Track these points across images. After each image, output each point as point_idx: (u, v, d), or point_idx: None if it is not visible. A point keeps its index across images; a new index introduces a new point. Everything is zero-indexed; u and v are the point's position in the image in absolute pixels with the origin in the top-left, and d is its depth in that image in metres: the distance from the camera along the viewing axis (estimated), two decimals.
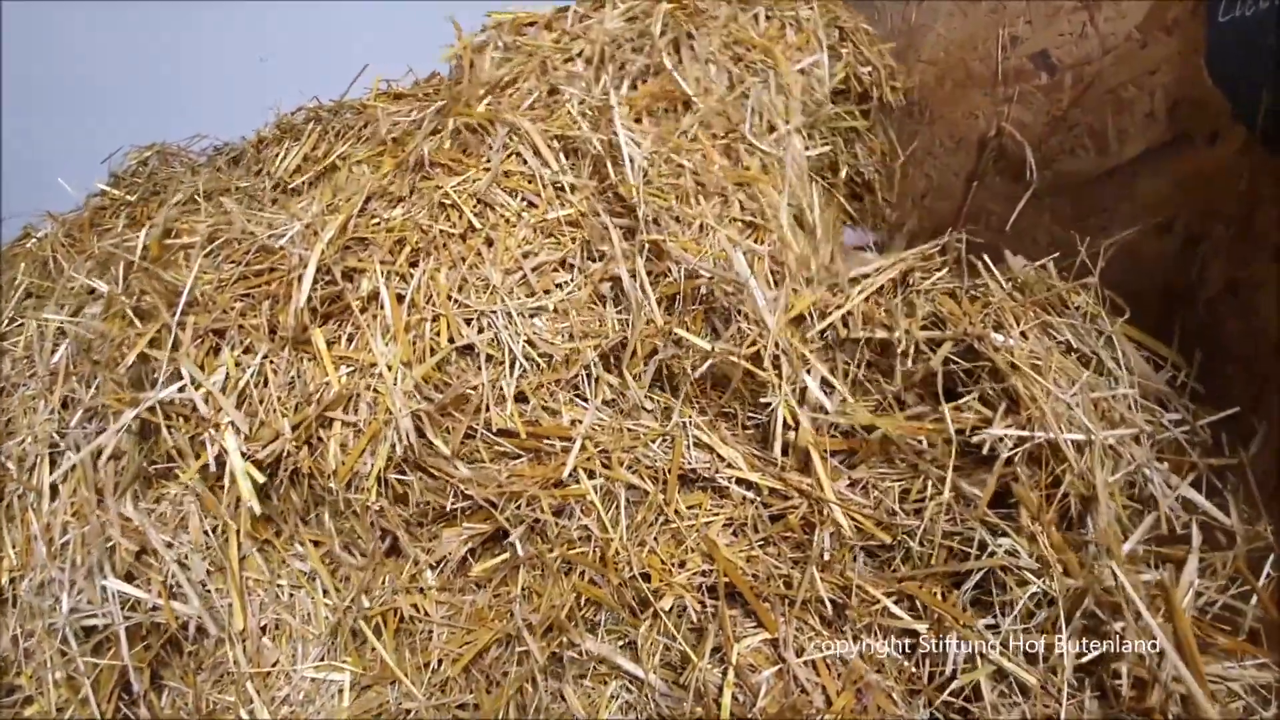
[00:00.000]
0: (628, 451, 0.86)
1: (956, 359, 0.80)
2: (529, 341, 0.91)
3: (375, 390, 0.83)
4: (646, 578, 0.83)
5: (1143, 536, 0.66)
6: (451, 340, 0.88)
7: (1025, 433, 0.72)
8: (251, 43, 1.98)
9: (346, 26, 2.01)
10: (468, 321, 0.91)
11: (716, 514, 0.87)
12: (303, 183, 1.46)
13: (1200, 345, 0.89)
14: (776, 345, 0.82)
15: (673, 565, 0.82)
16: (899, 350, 0.80)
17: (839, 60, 1.40)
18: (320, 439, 0.82)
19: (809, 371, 0.82)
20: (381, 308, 0.90)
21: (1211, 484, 0.73)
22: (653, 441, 0.87)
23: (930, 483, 0.75)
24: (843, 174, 1.47)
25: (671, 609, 0.82)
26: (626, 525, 0.86)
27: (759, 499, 0.84)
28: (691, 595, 0.81)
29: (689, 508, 0.89)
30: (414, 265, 0.95)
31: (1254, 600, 0.65)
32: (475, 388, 0.85)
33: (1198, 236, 0.91)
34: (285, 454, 0.82)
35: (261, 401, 0.83)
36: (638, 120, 1.06)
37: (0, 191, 1.80)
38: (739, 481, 0.84)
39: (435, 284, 0.92)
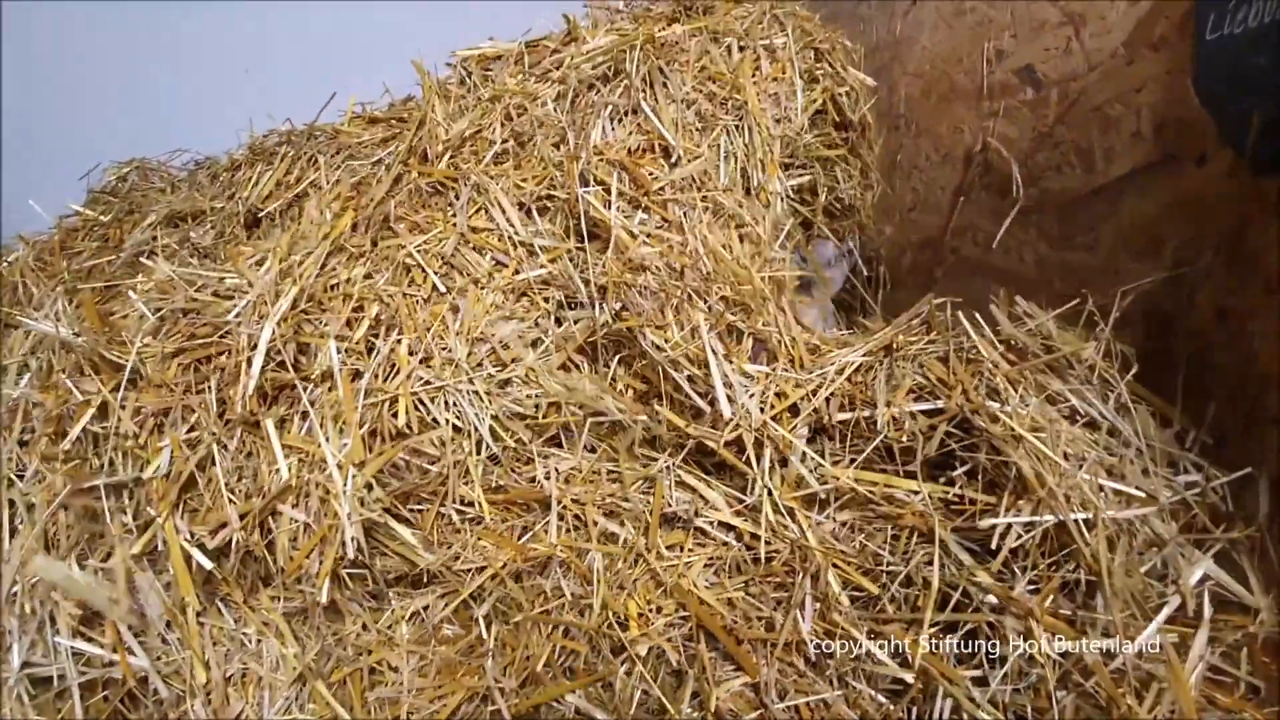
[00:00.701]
0: (606, 500, 0.83)
1: (953, 430, 0.76)
2: (496, 418, 0.87)
3: (325, 488, 0.79)
4: (624, 624, 0.80)
5: (1160, 625, 0.62)
6: (408, 431, 0.83)
7: (1034, 518, 0.67)
8: (254, 43, 1.99)
9: (348, 27, 2.00)
10: (432, 399, 0.86)
11: (697, 554, 0.84)
12: (275, 209, 1.43)
13: (1189, 372, 0.86)
14: (760, 431, 0.79)
15: (650, 612, 0.79)
16: (885, 426, 0.76)
17: (816, 85, 1.38)
18: (271, 527, 0.79)
19: (791, 448, 0.79)
20: (334, 389, 0.85)
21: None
22: (632, 485, 0.84)
23: (917, 533, 0.72)
24: (822, 198, 1.45)
25: (649, 654, 0.79)
26: (604, 568, 0.83)
27: (741, 542, 0.81)
28: (670, 644, 0.78)
29: (669, 547, 0.86)
30: (374, 335, 0.91)
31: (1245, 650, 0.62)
32: (441, 470, 0.81)
33: (1186, 260, 0.89)
34: (235, 540, 0.79)
35: (210, 482, 0.79)
36: (609, 165, 1.02)
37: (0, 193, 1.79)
38: (721, 524, 0.81)
39: (396, 356, 0.88)
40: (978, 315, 0.83)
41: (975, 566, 0.67)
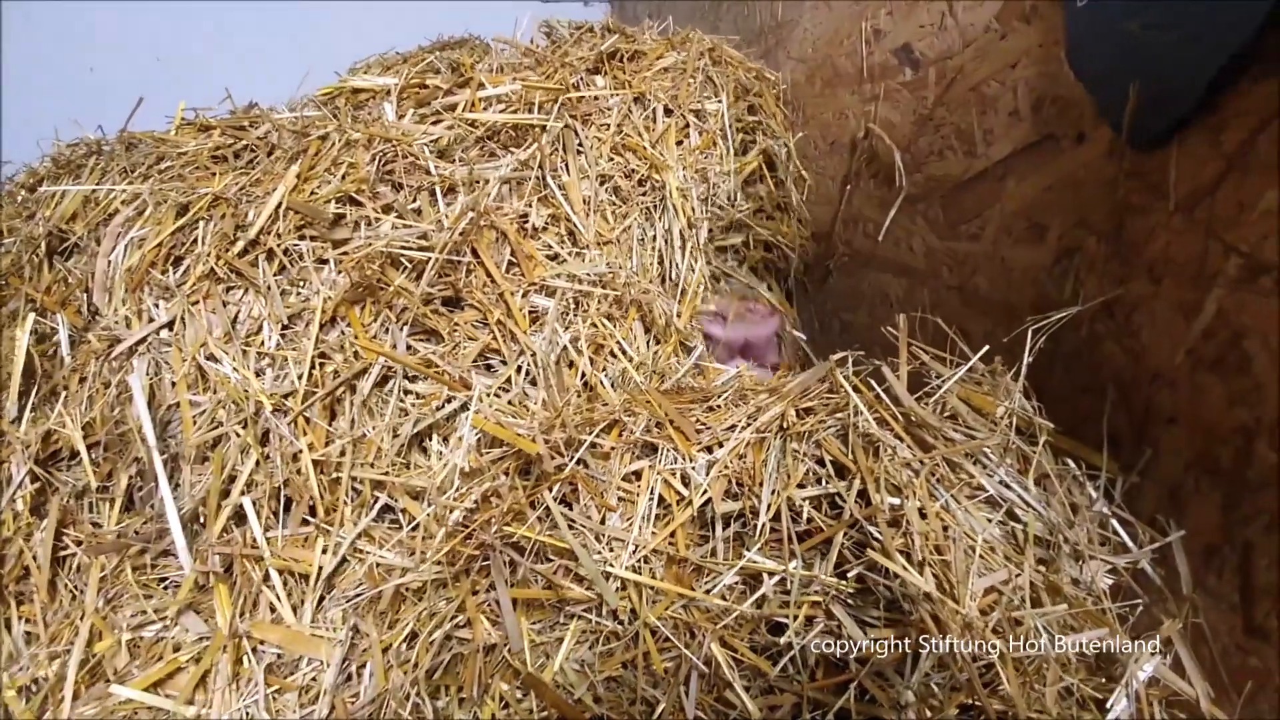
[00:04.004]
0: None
1: (850, 532, 0.64)
2: None
3: None
4: None
5: None
6: None
7: (938, 673, 0.56)
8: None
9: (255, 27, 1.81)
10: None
11: (569, 627, 0.70)
12: (83, 232, 1.19)
13: (1079, 369, 0.81)
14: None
15: (506, 711, 0.64)
16: (763, 531, 0.65)
17: (754, 145, 1.31)
18: None
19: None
20: None
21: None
22: (481, 586, 0.69)
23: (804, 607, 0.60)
24: (756, 252, 1.38)
25: None
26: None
27: (617, 620, 0.68)
28: None
29: (534, 623, 0.71)
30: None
31: None
32: None
33: (1072, 247, 0.83)
34: None
35: None
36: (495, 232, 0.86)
37: None
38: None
39: None
40: (872, 382, 0.71)
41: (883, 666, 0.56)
